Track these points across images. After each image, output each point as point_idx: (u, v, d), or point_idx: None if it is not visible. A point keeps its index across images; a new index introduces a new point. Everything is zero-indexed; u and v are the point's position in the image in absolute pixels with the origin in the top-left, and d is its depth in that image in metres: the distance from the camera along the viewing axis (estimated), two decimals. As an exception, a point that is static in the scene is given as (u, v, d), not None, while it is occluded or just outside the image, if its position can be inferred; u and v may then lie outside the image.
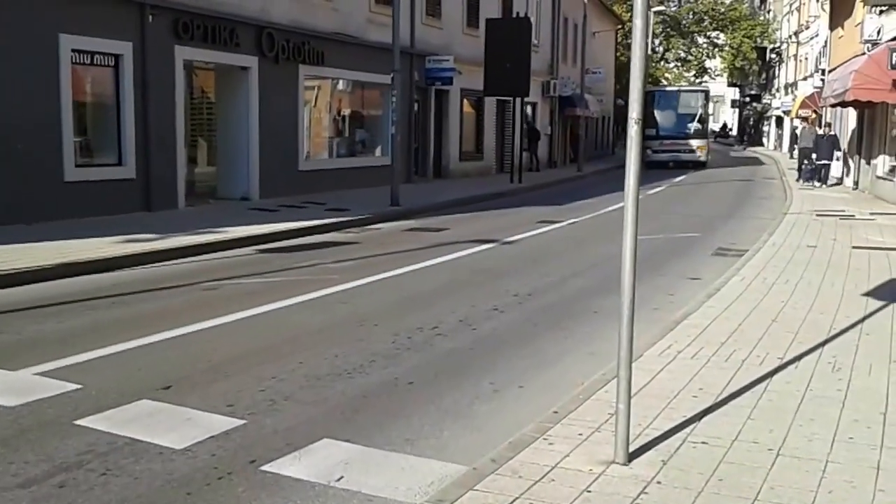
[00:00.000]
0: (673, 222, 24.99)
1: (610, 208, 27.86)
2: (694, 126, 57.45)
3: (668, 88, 66.63)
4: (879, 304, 12.56)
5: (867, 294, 13.39)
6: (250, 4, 26.12)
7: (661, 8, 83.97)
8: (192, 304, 12.91)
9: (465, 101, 41.19)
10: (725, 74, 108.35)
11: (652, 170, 50.57)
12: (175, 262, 16.61)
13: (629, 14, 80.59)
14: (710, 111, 62.47)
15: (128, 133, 22.16)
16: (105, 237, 17.72)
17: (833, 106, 37.11)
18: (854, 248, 18.82)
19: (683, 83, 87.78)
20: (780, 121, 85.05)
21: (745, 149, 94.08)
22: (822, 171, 37.35)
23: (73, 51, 20.63)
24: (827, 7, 46.92)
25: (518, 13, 42.89)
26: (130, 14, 22.07)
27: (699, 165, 56.12)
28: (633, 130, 6.63)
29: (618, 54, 79.00)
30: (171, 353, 9.99)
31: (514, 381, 9.22)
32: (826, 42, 48.04)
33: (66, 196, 20.37)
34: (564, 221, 24.32)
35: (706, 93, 60.83)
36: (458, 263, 17.18)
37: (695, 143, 57.01)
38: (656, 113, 56.68)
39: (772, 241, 19.76)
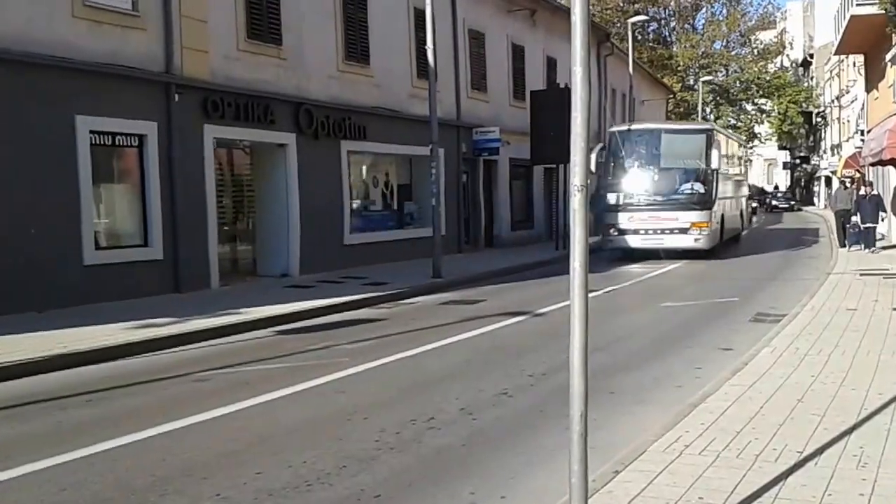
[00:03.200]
0: (714, 287, 23.32)
1: (648, 275, 26.37)
2: (687, 188, 32.33)
3: (645, 126, 37.20)
4: (917, 377, 10.85)
5: (904, 364, 11.67)
6: (285, 82, 25.09)
7: (710, 78, 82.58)
8: (173, 399, 11.39)
9: (513, 170, 39.96)
10: (774, 139, 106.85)
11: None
12: (183, 348, 15.12)
13: (679, 85, 79.75)
14: (719, 164, 32.57)
15: (154, 213, 20.90)
16: (119, 323, 16.26)
17: (872, 165, 35.55)
18: (895, 309, 17.07)
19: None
20: (829, 181, 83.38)
21: (797, 209, 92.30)
22: (869, 234, 33.08)
23: (92, 132, 19.41)
24: (863, 71, 45.85)
25: (562, 84, 41.74)
26: (155, 94, 20.99)
27: (696, 254, 31.80)
28: (577, 200, 5.15)
29: (670, 121, 78.06)
30: (112, 467, 8.46)
31: (499, 488, 7.65)
32: (863, 104, 46.82)
33: (85, 280, 19.00)
34: (600, 290, 22.56)
35: (709, 135, 33.34)
36: (480, 340, 15.63)
37: (686, 216, 31.73)
38: (624, 167, 33.46)
39: (811, 304, 17.99)
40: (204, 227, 22.33)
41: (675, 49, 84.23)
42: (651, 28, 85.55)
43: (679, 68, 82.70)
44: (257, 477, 7.95)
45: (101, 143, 19.88)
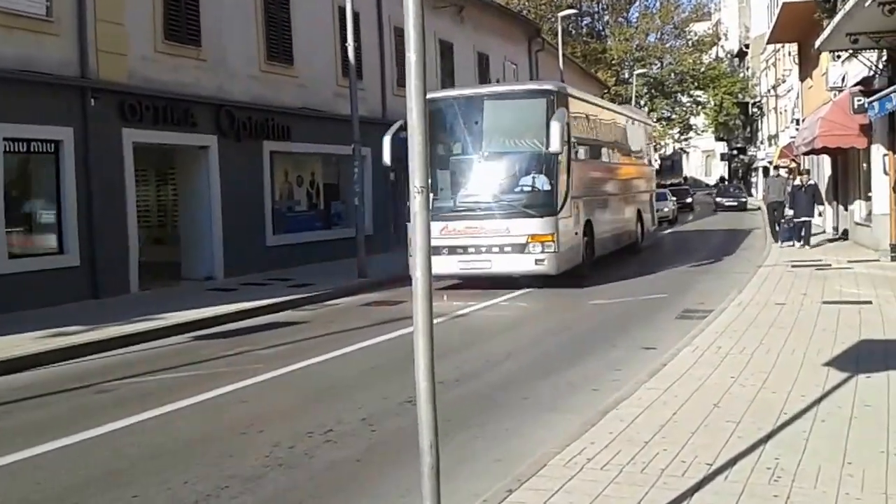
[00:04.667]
0: (646, 281, 22.93)
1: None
2: (526, 184, 21.95)
3: (459, 93, 24.07)
4: (841, 376, 10.28)
5: (829, 363, 11.11)
6: (206, 83, 24.62)
7: (644, 71, 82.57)
8: (70, 413, 10.83)
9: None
10: (711, 130, 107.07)
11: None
12: (95, 357, 14.55)
13: (614, 79, 79.67)
14: (561, 145, 20.13)
15: (69, 220, 20.38)
16: (31, 332, 15.73)
17: (805, 154, 35.38)
18: (824, 303, 16.62)
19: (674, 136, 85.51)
20: (766, 171, 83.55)
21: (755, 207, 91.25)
22: (803, 228, 29.94)
23: (6, 139, 18.94)
24: (797, 60, 45.86)
25: (496, 80, 41.32)
26: (71, 99, 20.49)
27: (540, 280, 21.79)
28: (417, 203, 4.66)
29: (605, 116, 77.81)
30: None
31: (388, 507, 7.09)
32: (799, 93, 46.85)
33: (-1, 289, 18.54)
34: (528, 289, 22.08)
35: (550, 100, 21.61)
36: (396, 343, 14.96)
37: (521, 226, 21.20)
38: (433, 155, 22.24)
39: (739, 299, 17.52)
40: (123, 233, 21.88)
41: (609, 43, 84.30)
42: (584, 22, 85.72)
43: (613, 62, 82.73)
44: (132, 501, 7.45)
45: (16, 150, 19.49)
